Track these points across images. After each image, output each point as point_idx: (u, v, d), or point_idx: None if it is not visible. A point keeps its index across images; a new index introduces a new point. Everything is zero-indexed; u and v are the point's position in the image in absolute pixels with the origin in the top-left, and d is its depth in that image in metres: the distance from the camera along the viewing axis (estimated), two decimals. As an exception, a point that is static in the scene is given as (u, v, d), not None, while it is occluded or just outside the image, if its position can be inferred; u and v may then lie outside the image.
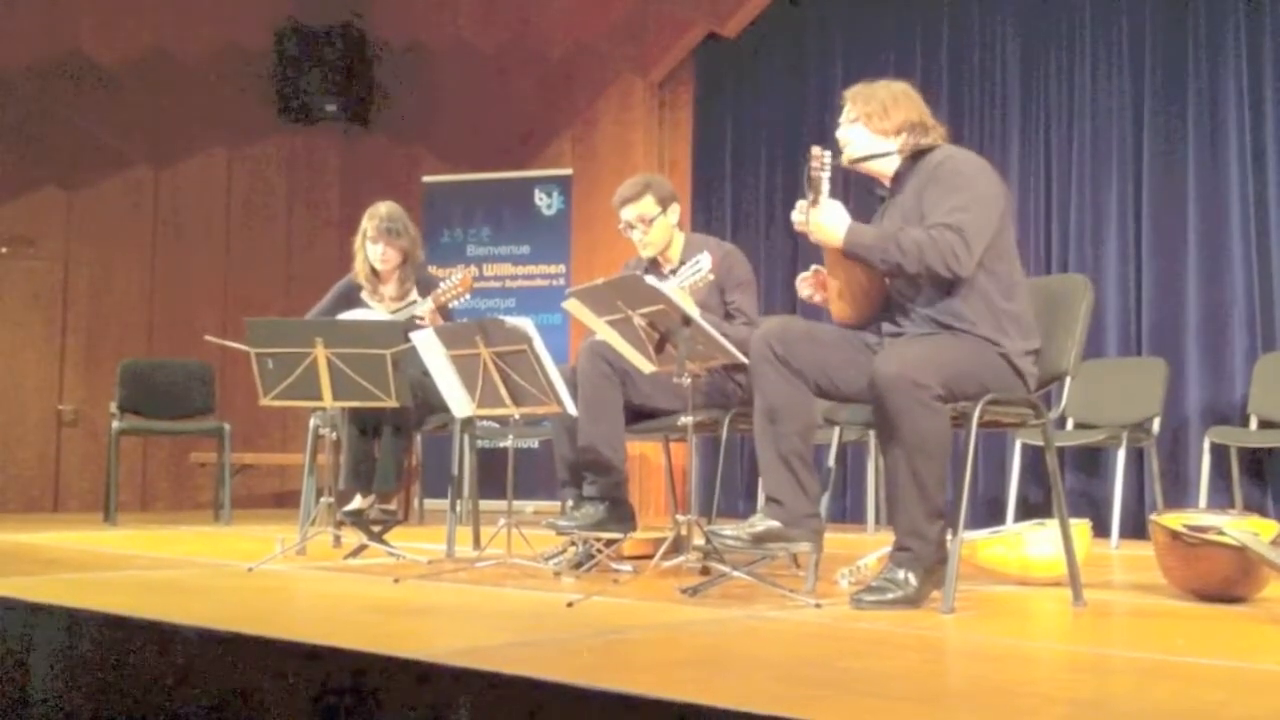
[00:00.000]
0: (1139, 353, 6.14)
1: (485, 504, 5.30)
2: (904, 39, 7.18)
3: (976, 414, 2.99)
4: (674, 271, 3.96)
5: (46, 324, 8.05)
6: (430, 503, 7.66)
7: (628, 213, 4.11)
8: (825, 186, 3.10)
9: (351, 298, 4.75)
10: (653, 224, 4.09)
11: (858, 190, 3.42)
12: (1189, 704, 1.89)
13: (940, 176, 3.12)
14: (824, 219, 3.12)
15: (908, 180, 3.22)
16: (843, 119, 3.29)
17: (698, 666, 2.17)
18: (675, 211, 4.16)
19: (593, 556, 3.81)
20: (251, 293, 8.60)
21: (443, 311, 4.53)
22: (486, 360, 3.66)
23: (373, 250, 4.67)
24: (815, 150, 3.09)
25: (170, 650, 2.45)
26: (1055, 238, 6.49)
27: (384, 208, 4.70)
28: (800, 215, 3.18)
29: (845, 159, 3.29)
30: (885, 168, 3.26)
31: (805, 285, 3.39)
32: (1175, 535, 3.28)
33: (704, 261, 3.73)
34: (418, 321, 4.33)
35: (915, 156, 3.22)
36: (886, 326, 3.22)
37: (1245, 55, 6.00)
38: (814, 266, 3.38)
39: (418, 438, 6.19)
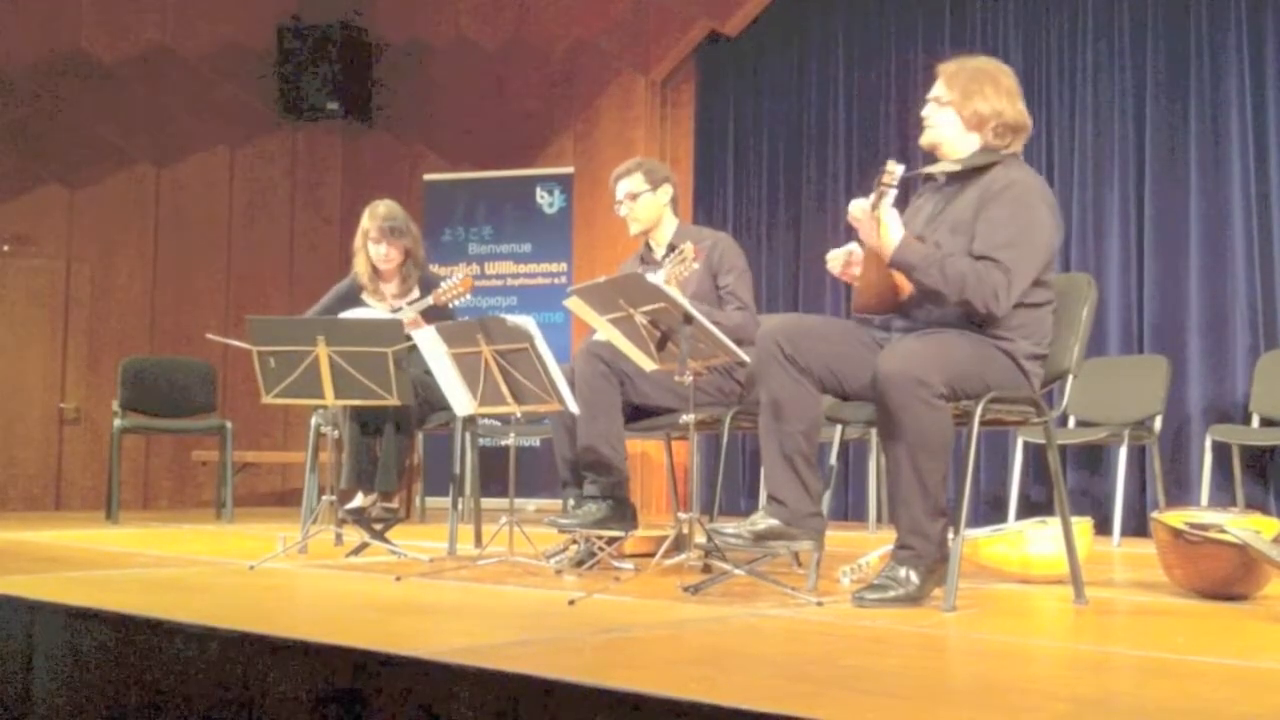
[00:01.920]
0: (1141, 351, 6.14)
1: (487, 502, 5.31)
2: (905, 36, 7.17)
3: (979, 412, 2.99)
4: (664, 259, 4.00)
5: (48, 322, 8.06)
6: (432, 501, 7.67)
7: (619, 189, 4.20)
8: (890, 198, 3.07)
9: (352, 298, 4.75)
10: (638, 199, 4.16)
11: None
12: (1190, 702, 1.89)
13: (1004, 199, 3.07)
14: (886, 219, 3.07)
15: (970, 182, 3.16)
16: (931, 94, 3.24)
17: (700, 664, 2.17)
18: (666, 193, 4.19)
19: (594, 554, 3.81)
20: (253, 290, 8.60)
21: (443, 310, 4.53)
22: (488, 358, 3.66)
23: (375, 250, 4.67)
24: (890, 166, 3.03)
25: (172, 648, 2.45)
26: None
27: (383, 207, 4.69)
28: (859, 213, 3.14)
29: (923, 141, 3.27)
30: (959, 151, 3.22)
31: (837, 262, 3.31)
32: (1177, 533, 3.28)
33: (687, 251, 3.77)
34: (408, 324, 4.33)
35: (989, 150, 3.17)
36: (899, 322, 3.21)
37: (1247, 52, 6.00)
38: (850, 246, 3.31)
39: (419, 436, 6.19)
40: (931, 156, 3.35)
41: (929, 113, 3.25)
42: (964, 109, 3.18)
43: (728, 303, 4.04)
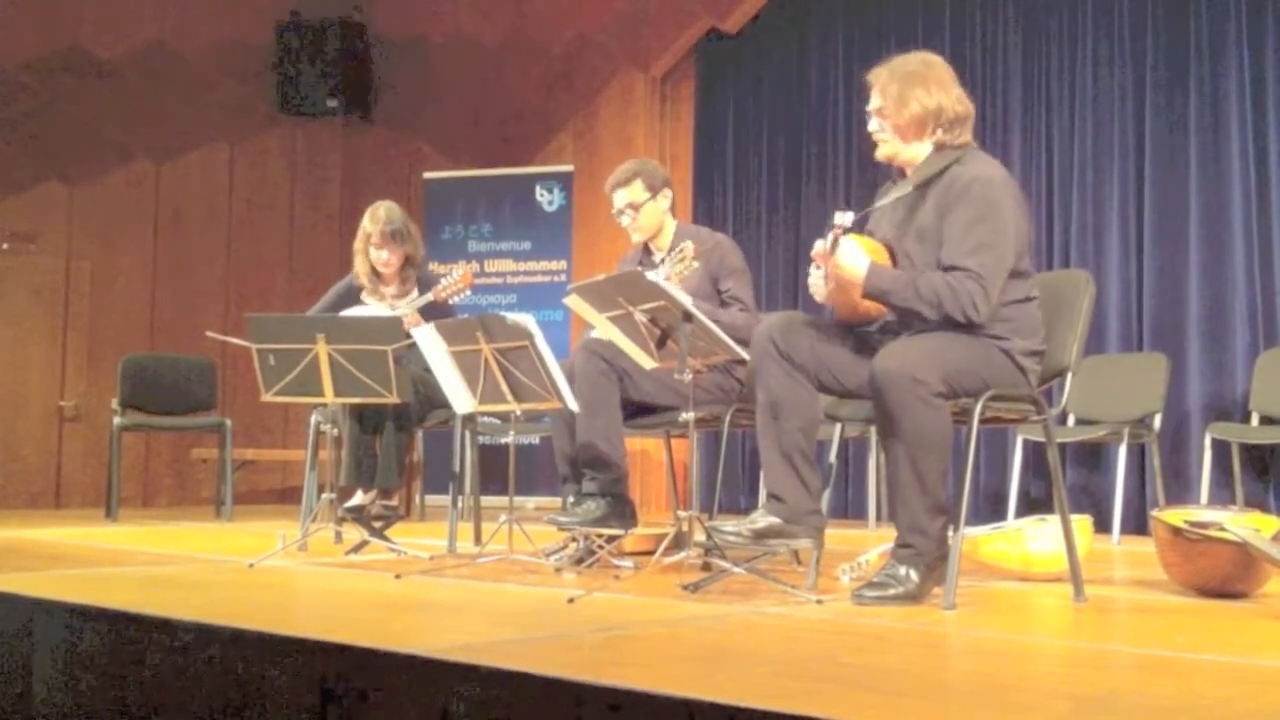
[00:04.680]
0: (1140, 348, 6.14)
1: (486, 500, 5.31)
2: (905, 33, 7.16)
3: (978, 410, 2.98)
4: (664, 260, 3.99)
5: (48, 319, 8.05)
6: (431, 499, 7.67)
7: (618, 198, 4.17)
8: (845, 240, 3.07)
9: (352, 298, 4.75)
10: (641, 210, 4.14)
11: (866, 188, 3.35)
12: (1190, 699, 1.89)
13: (968, 201, 3.05)
14: (845, 261, 3.07)
15: (931, 186, 3.15)
16: (870, 107, 3.24)
17: (699, 662, 2.17)
18: (666, 197, 4.18)
19: (594, 552, 3.81)
20: (253, 288, 8.60)
21: (443, 307, 4.53)
22: (488, 356, 3.66)
23: (376, 254, 4.66)
24: (838, 218, 3.05)
25: (172, 646, 2.45)
26: (1057, 232, 6.48)
27: (384, 210, 4.68)
28: (817, 264, 3.15)
29: (878, 155, 3.27)
30: (913, 157, 3.22)
31: (820, 291, 3.32)
32: (1176, 531, 3.28)
33: (687, 250, 3.76)
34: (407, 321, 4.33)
35: (942, 150, 3.16)
36: (890, 324, 3.21)
37: (1247, 48, 6.00)
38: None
39: (419, 434, 6.20)
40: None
41: (874, 127, 3.24)
42: (901, 117, 3.17)
43: (731, 305, 4.04)
